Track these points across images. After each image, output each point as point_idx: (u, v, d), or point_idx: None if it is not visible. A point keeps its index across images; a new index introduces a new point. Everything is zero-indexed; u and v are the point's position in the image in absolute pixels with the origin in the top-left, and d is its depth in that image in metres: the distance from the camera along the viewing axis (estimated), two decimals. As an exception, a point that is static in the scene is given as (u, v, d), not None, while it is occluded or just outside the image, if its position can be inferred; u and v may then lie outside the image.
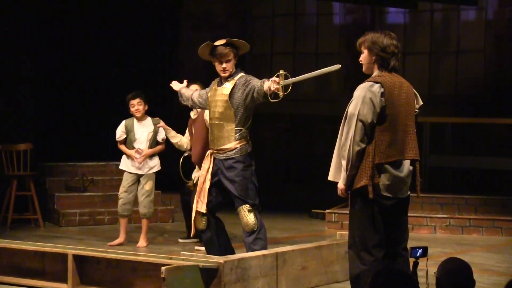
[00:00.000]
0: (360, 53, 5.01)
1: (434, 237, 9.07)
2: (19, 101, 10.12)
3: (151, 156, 8.04)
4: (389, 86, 4.85)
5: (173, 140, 7.91)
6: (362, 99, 4.81)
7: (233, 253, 6.16)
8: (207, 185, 6.11)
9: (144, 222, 8.07)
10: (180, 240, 8.32)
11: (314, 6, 12.17)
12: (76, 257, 5.94)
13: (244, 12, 12.37)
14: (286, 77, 5.77)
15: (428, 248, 4.72)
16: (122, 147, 8.10)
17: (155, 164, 8.07)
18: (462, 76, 11.33)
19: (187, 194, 7.95)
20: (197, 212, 6.16)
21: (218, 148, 6.09)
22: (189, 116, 7.89)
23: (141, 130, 8.03)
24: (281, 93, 5.77)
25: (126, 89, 8.20)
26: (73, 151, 10.46)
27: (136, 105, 7.99)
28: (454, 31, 11.47)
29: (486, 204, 9.55)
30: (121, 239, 8.00)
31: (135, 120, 8.05)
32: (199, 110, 7.83)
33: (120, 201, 7.99)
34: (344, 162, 4.83)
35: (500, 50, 10.99)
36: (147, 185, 8.01)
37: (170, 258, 5.65)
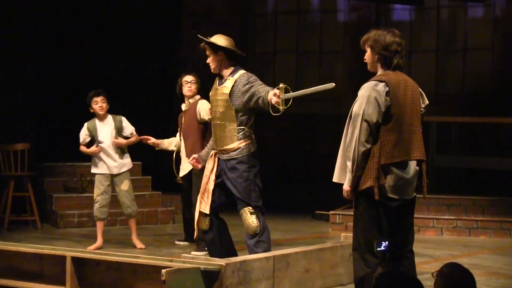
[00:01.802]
0: (364, 51, 5.02)
1: (440, 239, 9.08)
2: (17, 100, 10.13)
3: (122, 154, 8.01)
4: (393, 85, 4.85)
5: (170, 148, 7.93)
6: (367, 98, 4.82)
7: (236, 255, 6.16)
8: (211, 185, 6.10)
9: (132, 222, 8.06)
10: (177, 242, 8.31)
11: (318, 3, 12.18)
12: (75, 259, 5.95)
13: (246, 9, 12.38)
14: (286, 91, 5.77)
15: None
16: (83, 148, 8.05)
17: (126, 162, 8.03)
18: (469, 75, 11.33)
19: (186, 193, 7.92)
20: (200, 212, 6.17)
21: (222, 148, 6.09)
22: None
23: (104, 129, 7.99)
24: (281, 108, 5.77)
25: (126, 88, 8.21)
26: (72, 151, 10.46)
27: (100, 102, 7.96)
28: (461, 28, 11.48)
29: (494, 206, 9.55)
30: (99, 243, 7.95)
31: (96, 121, 8.02)
32: (191, 101, 7.85)
33: (97, 205, 7.94)
34: (349, 163, 4.84)
35: (508, 47, 10.99)
36: (124, 185, 7.99)
37: (171, 261, 5.65)
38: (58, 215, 9.51)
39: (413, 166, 4.92)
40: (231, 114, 6.02)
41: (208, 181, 6.13)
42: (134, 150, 8.83)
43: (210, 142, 6.38)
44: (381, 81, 4.86)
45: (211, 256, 6.06)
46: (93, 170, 8.07)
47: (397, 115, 4.83)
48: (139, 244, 8.02)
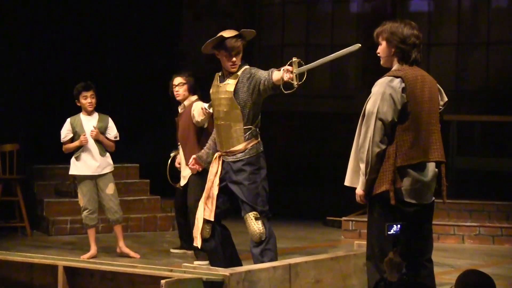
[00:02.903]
0: (378, 44, 5.02)
1: (462, 247, 9.07)
2: (7, 99, 10.15)
3: (104, 153, 7.95)
4: (410, 80, 4.85)
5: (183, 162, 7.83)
6: (381, 95, 4.82)
7: (240, 264, 6.16)
8: (215, 190, 6.09)
9: (119, 228, 8.06)
10: (172, 251, 8.31)
11: (329, -7, 12.20)
12: (67, 269, 5.95)
13: (252, -1, 12.40)
14: (299, 65, 5.72)
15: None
16: (68, 145, 7.97)
17: (109, 162, 8.00)
18: (492, 70, 11.32)
19: (180, 196, 7.90)
20: (203, 220, 6.15)
21: (227, 150, 6.06)
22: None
23: (90, 125, 7.91)
24: (295, 83, 5.70)
25: (124, 85, 8.21)
26: (64, 153, 10.49)
27: (89, 98, 7.87)
28: (484, 20, 11.47)
29: (520, 211, 9.56)
30: (93, 251, 7.97)
31: (81, 116, 7.95)
32: (186, 103, 7.80)
33: (86, 212, 7.91)
34: (362, 166, 4.84)
35: (534, 41, 10.99)
36: (109, 189, 7.96)
37: (171, 271, 5.65)
38: (49, 221, 9.53)
39: (431, 168, 4.92)
40: (236, 113, 5.99)
41: (212, 185, 6.11)
42: (132, 151, 8.86)
43: (209, 142, 6.35)
44: (397, 77, 4.86)
45: (213, 266, 6.05)
46: (73, 171, 7.99)
47: (414, 113, 4.84)
48: (132, 253, 8.02)
